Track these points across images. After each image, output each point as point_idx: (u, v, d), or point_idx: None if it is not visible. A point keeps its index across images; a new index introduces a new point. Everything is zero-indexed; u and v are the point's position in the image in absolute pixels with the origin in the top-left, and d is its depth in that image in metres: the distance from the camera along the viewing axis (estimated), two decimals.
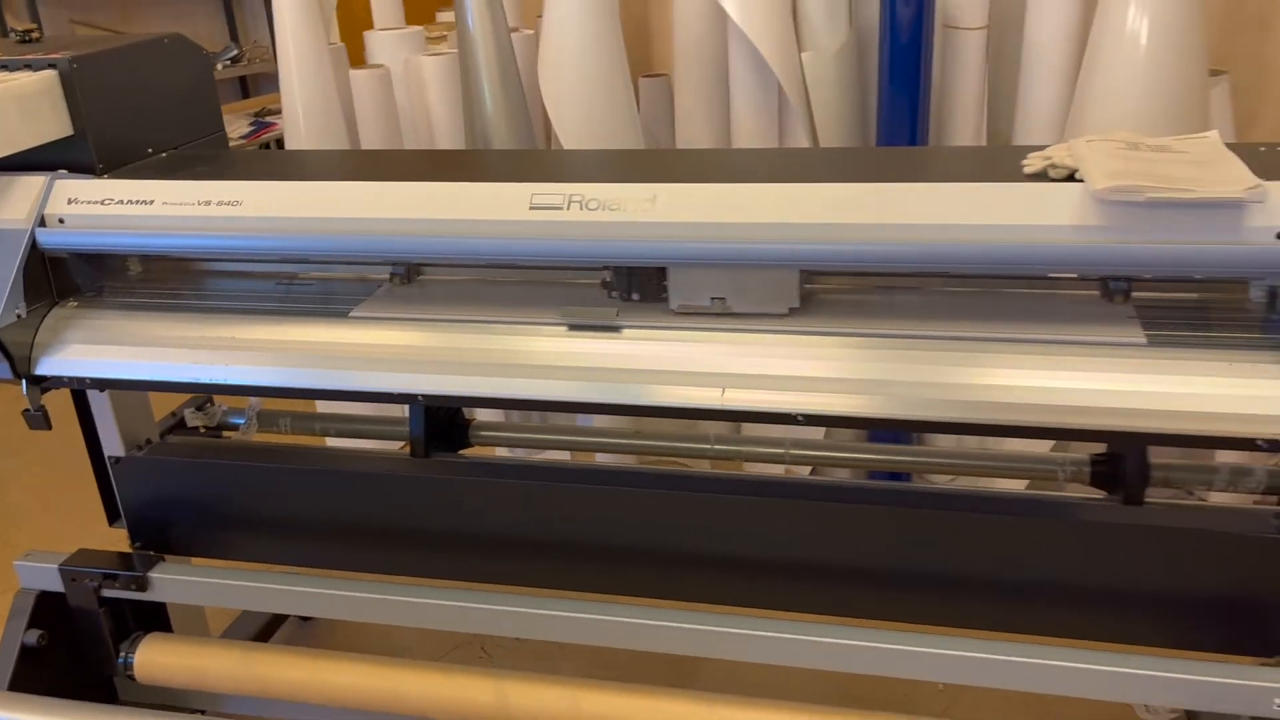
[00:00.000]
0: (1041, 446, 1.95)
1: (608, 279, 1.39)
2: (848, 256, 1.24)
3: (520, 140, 2.31)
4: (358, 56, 2.72)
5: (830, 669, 1.46)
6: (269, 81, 4.15)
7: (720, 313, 1.33)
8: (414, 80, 2.53)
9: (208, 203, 1.44)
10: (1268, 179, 1.15)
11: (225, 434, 1.91)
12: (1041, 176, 1.27)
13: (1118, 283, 1.29)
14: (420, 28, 2.69)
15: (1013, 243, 1.20)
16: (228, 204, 1.43)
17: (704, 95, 2.33)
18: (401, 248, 1.39)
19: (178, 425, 1.86)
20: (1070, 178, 1.24)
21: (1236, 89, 2.10)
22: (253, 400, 1.91)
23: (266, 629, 2.04)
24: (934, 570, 1.47)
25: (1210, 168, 1.19)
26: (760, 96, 2.17)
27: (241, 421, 1.91)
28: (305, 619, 2.15)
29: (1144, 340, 1.21)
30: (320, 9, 2.45)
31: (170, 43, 1.70)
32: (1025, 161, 1.30)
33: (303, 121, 2.47)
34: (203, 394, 1.81)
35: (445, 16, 3.03)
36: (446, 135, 2.50)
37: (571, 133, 2.18)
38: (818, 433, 2.29)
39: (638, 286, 1.37)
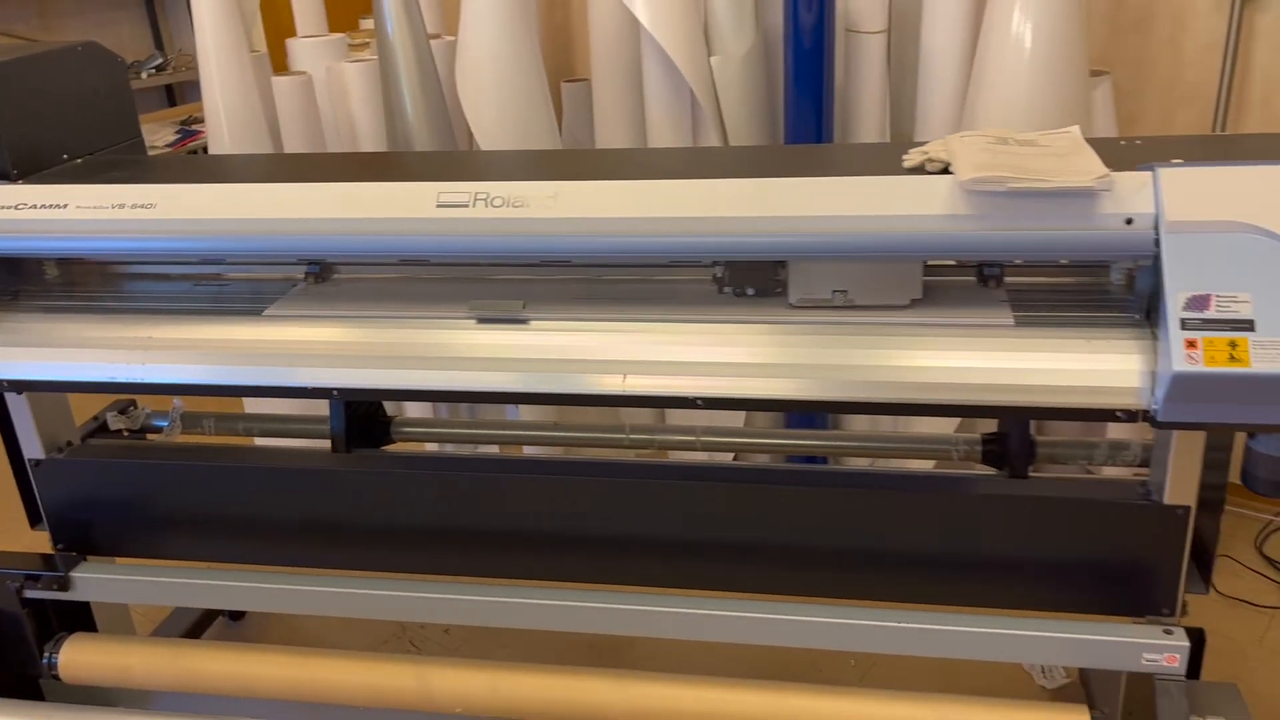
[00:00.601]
0: (945, 427, 2.04)
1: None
2: (737, 248, 1.31)
3: (441, 143, 2.36)
4: (284, 65, 2.74)
5: (748, 643, 1.54)
6: (195, 89, 4.13)
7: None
8: (336, 86, 2.56)
9: (121, 205, 1.47)
10: (1123, 170, 1.24)
11: (149, 436, 1.93)
12: (919, 170, 1.35)
13: (991, 268, 1.38)
14: (343, 35, 2.72)
15: (889, 231, 1.28)
16: (141, 206, 1.46)
17: (620, 98, 2.40)
18: (313, 246, 1.43)
19: (100, 429, 1.88)
20: (945, 171, 1.33)
21: (1119, 89, 2.22)
22: (176, 402, 1.94)
23: (194, 630, 2.06)
24: (841, 546, 1.54)
25: (1067, 159, 1.28)
26: (672, 99, 2.25)
27: (165, 424, 1.93)
28: (234, 619, 2.17)
29: (1011, 321, 1.30)
30: (240, 17, 2.48)
31: (85, 50, 1.72)
32: (905, 157, 1.38)
33: (226, 128, 2.49)
34: (124, 395, 1.83)
35: (368, 24, 3.06)
36: (369, 140, 2.53)
37: (489, 135, 2.24)
38: (736, 421, 2.38)
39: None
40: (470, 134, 2.50)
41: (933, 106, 2.13)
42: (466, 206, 1.37)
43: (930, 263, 1.39)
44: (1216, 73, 2.13)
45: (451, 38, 2.62)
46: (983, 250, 1.29)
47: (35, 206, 1.48)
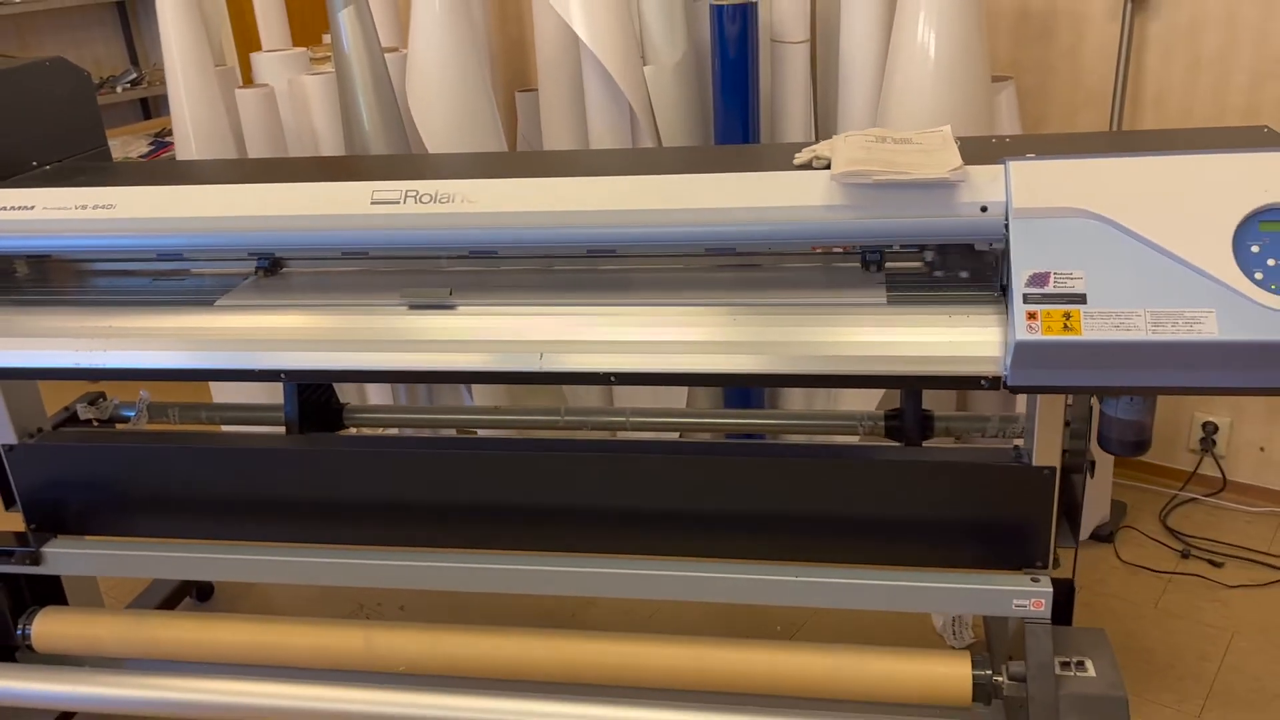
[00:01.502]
0: (867, 404, 2.18)
1: None
2: (637, 237, 1.46)
3: (396, 151, 2.50)
4: (250, 78, 2.87)
5: (677, 599, 1.67)
6: (168, 103, 4.27)
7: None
8: (298, 98, 2.70)
9: (84, 206, 1.60)
10: (983, 164, 1.39)
11: (117, 426, 2.06)
12: (807, 166, 1.50)
13: (872, 254, 1.53)
14: (305, 49, 2.86)
15: (774, 220, 1.42)
16: (102, 207, 1.60)
17: (565, 106, 2.55)
18: (260, 242, 1.57)
19: (70, 419, 2.01)
20: (828, 167, 1.48)
21: (1026, 93, 2.38)
22: (143, 393, 2.08)
23: (162, 608, 2.19)
24: (757, 513, 1.67)
25: (932, 155, 1.43)
26: (611, 106, 2.39)
27: (132, 414, 2.07)
28: (202, 599, 2.30)
29: (884, 301, 1.45)
30: (205, 32, 2.61)
31: (52, 65, 1.86)
32: (796, 155, 1.53)
33: (193, 139, 2.62)
34: (90, 382, 1.96)
35: (329, 38, 3.20)
36: (329, 148, 2.67)
37: (437, 141, 2.38)
38: (679, 401, 2.52)
39: None
40: (423, 145, 2.65)
41: (852, 110, 2.28)
42: (397, 203, 1.52)
43: (820, 249, 1.54)
44: (1112, 77, 2.29)
45: (405, 50, 2.77)
46: (855, 236, 1.44)
47: (5, 209, 1.62)
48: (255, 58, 2.83)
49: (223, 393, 2.79)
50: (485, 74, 2.42)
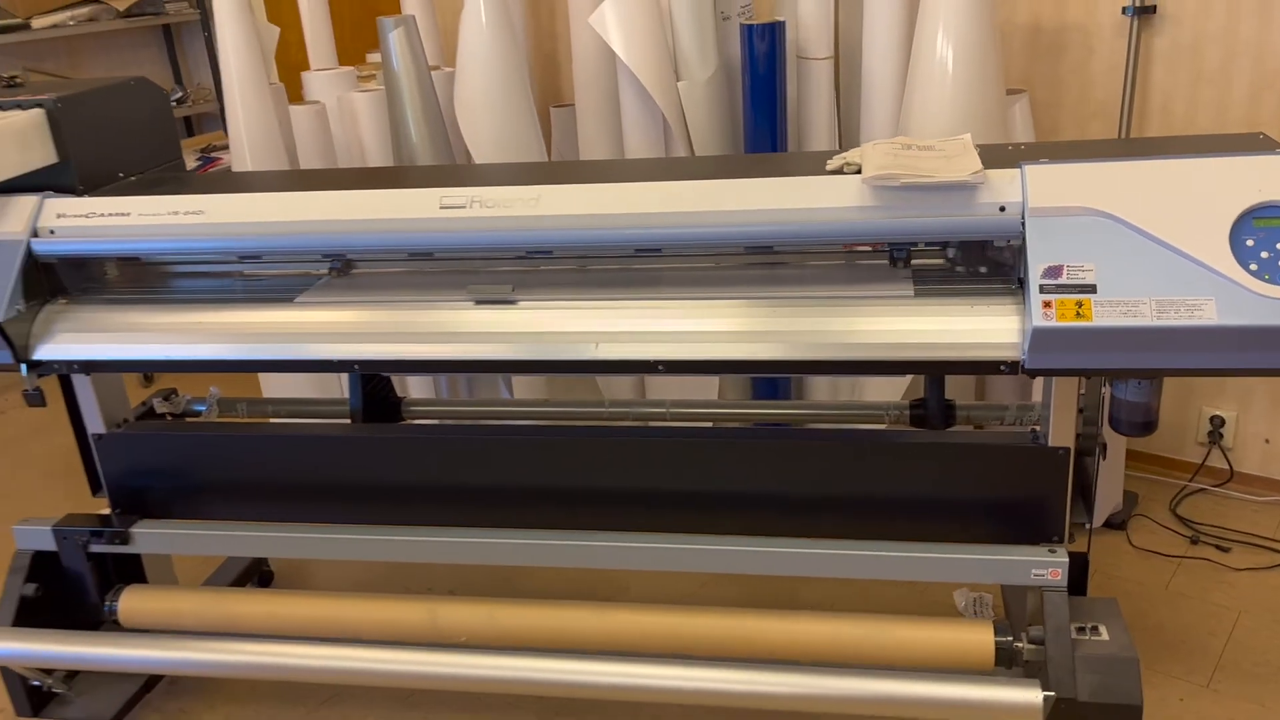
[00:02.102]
0: (892, 395, 2.31)
1: None
2: (685, 237, 1.60)
3: (441, 163, 2.65)
4: (295, 95, 3.03)
5: (715, 572, 1.80)
6: (212, 120, 4.45)
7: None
8: (347, 114, 2.86)
9: (175, 213, 1.75)
10: (1000, 168, 1.53)
11: (187, 420, 2.21)
12: (838, 172, 1.64)
13: (899, 251, 1.67)
14: (352, 68, 3.02)
15: (810, 221, 1.56)
16: (192, 213, 1.75)
17: (600, 120, 2.70)
18: (336, 244, 1.72)
19: (147, 413, 2.16)
20: (858, 173, 1.61)
21: (1039, 105, 2.52)
22: (213, 389, 2.23)
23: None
24: (794, 495, 1.80)
25: (954, 160, 1.57)
26: (646, 120, 2.54)
27: (203, 408, 2.22)
28: (264, 581, 2.44)
29: (911, 294, 1.58)
30: (261, 53, 2.77)
31: (135, 84, 2.02)
32: (828, 162, 1.67)
33: (248, 153, 2.78)
34: (174, 373, 2.10)
35: (375, 57, 3.36)
36: (376, 160, 2.82)
37: (483, 153, 2.53)
38: (709, 394, 2.65)
39: None
40: (467, 154, 2.81)
41: (874, 121, 2.42)
42: (464, 208, 1.66)
43: (848, 248, 1.68)
44: (1120, 90, 2.42)
45: (450, 69, 2.93)
46: (884, 234, 1.57)
47: (103, 215, 1.77)
48: (306, 76, 2.99)
49: (271, 389, 2.94)
50: (528, 90, 2.57)
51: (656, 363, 1.63)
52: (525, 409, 2.17)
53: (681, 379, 2.71)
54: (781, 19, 2.37)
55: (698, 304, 1.64)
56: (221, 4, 2.63)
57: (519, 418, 2.17)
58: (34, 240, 1.76)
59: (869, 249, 1.71)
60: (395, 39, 2.57)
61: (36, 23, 3.80)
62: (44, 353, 1.77)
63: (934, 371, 1.56)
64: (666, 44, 2.49)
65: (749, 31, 2.33)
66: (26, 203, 1.79)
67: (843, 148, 2.61)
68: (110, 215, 1.77)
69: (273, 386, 2.96)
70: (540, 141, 2.60)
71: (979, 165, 1.52)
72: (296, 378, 2.90)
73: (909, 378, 2.35)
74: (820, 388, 2.75)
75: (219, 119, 4.43)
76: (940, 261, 1.68)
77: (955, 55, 2.17)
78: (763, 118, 2.40)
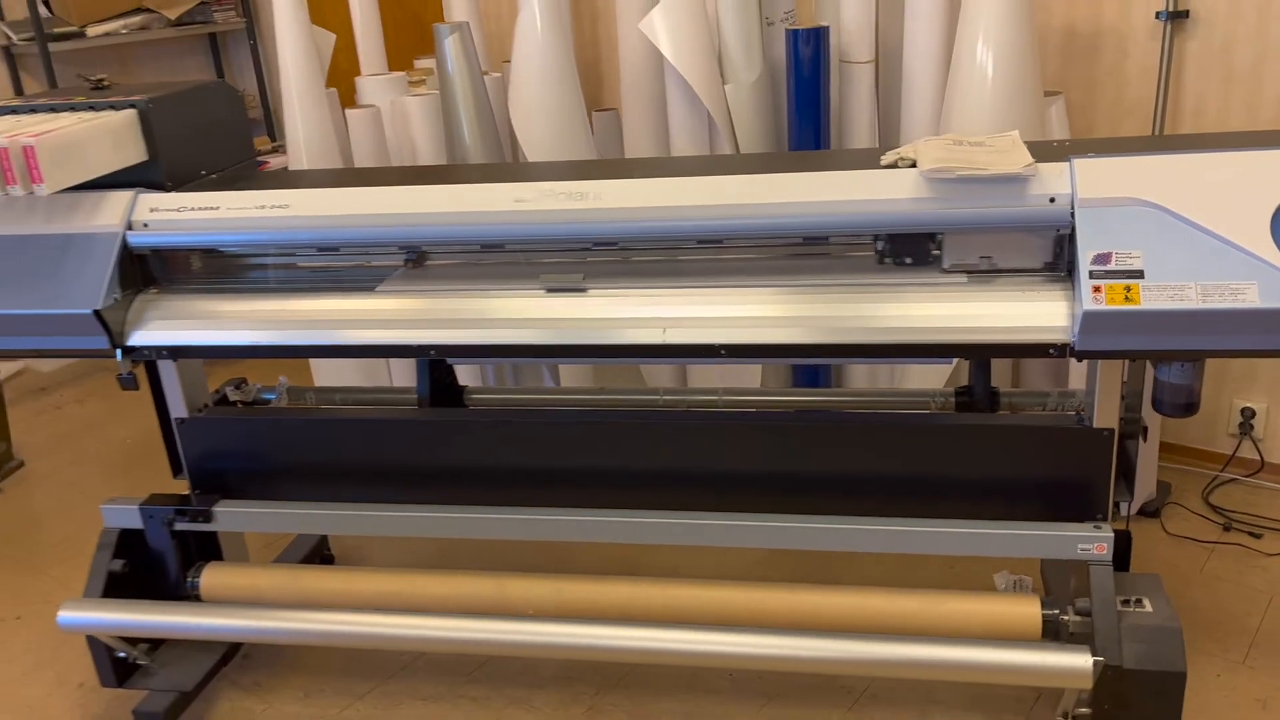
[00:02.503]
0: (935, 382, 2.40)
1: None
2: (751, 229, 1.69)
3: (492, 161, 2.75)
4: (349, 99, 3.14)
5: (779, 548, 1.88)
6: (256, 126, 4.56)
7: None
8: (399, 118, 2.96)
9: (262, 206, 1.86)
10: (1049, 161, 1.62)
11: (256, 407, 2.31)
12: (893, 167, 1.73)
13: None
14: (403, 73, 3.13)
15: (870, 211, 1.65)
16: (279, 206, 1.85)
17: (647, 122, 2.80)
18: (416, 235, 1.81)
19: (220, 401, 2.26)
20: (912, 166, 1.70)
21: (1074, 107, 2.60)
22: (282, 378, 2.33)
23: None
24: (847, 474, 1.89)
25: (1005, 155, 1.66)
26: (692, 122, 2.64)
27: (273, 397, 2.32)
28: (328, 559, 2.53)
29: (965, 280, 1.67)
30: (318, 59, 2.88)
31: (216, 86, 2.12)
32: (883, 157, 1.77)
33: (305, 155, 2.88)
34: (256, 359, 2.19)
35: (423, 63, 3.46)
36: (427, 162, 2.93)
37: (538, 155, 2.63)
38: (751, 383, 2.74)
39: None
40: (514, 156, 2.91)
41: (914, 122, 2.51)
42: (537, 201, 1.76)
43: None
44: (1153, 90, 2.51)
45: (497, 74, 3.03)
46: (938, 225, 1.66)
47: (194, 209, 1.87)
48: (360, 81, 3.10)
49: (323, 378, 3.05)
50: (579, 93, 2.67)
51: (719, 347, 1.72)
52: (583, 396, 2.26)
53: (723, 369, 2.81)
54: (825, 24, 2.46)
55: (757, 291, 1.73)
56: (281, 11, 2.74)
57: (576, 405, 2.26)
58: (129, 233, 1.87)
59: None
60: (451, 45, 2.67)
61: (91, 30, 3.93)
62: (137, 339, 1.87)
63: (988, 354, 1.64)
64: (713, 48, 2.59)
65: (794, 36, 2.43)
66: (121, 198, 1.89)
67: (883, 148, 2.71)
68: (200, 209, 1.87)
69: (324, 376, 3.06)
70: (591, 142, 2.70)
71: (1030, 159, 1.61)
72: (346, 368, 3.01)
73: (951, 366, 2.44)
74: (858, 376, 2.83)
75: (264, 124, 4.55)
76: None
77: (995, 59, 2.26)
78: (807, 119, 2.49)
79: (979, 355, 1.72)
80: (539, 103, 2.62)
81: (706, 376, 2.88)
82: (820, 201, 1.66)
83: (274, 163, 3.89)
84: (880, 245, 1.73)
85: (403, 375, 3.06)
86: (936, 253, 1.71)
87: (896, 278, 1.71)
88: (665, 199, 1.71)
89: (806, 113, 2.49)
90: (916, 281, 1.68)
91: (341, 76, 3.28)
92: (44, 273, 1.83)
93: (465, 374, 2.96)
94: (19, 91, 3.97)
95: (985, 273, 1.69)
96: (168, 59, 4.39)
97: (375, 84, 3.06)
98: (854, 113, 2.61)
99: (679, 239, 1.80)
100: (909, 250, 1.73)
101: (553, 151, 2.64)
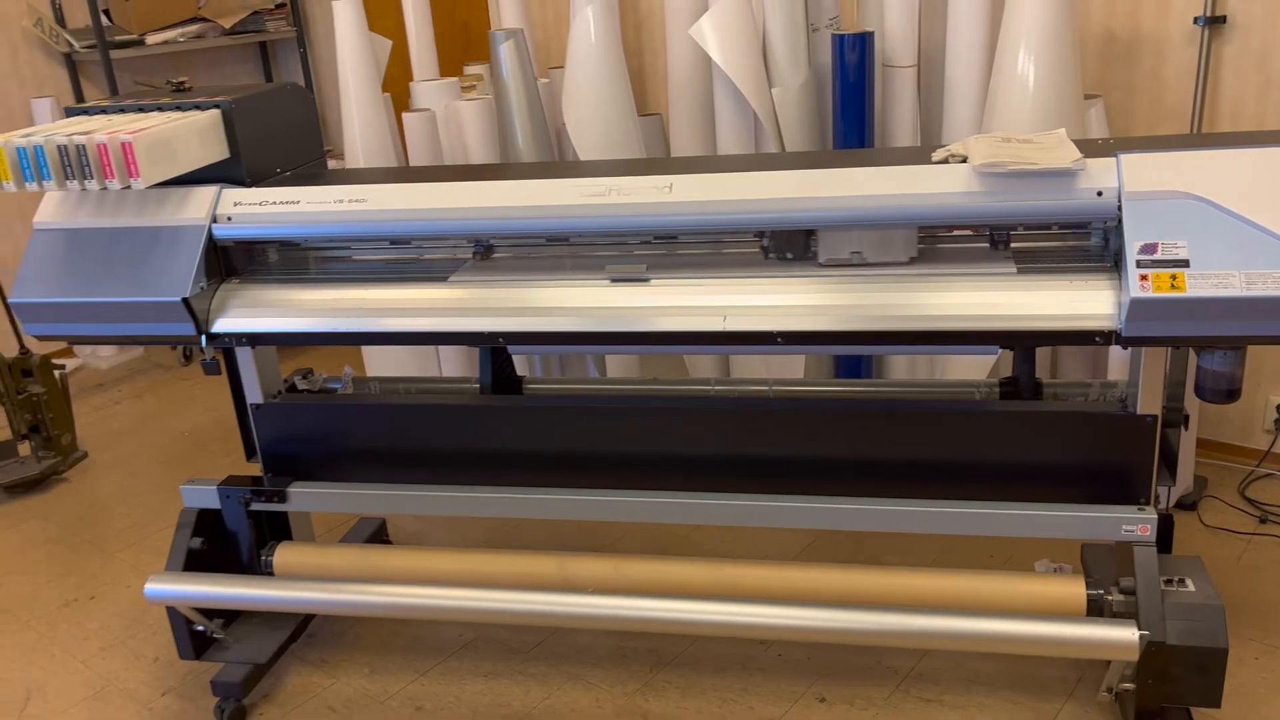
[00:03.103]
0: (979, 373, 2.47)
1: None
2: (809, 220, 1.77)
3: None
4: (402, 103, 3.26)
5: (833, 528, 1.96)
6: None
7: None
8: (453, 121, 3.07)
9: (341, 201, 1.96)
10: (1096, 157, 1.69)
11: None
12: (944, 163, 1.81)
13: (999, 234, 1.83)
14: (455, 78, 3.24)
15: (926, 205, 1.73)
16: (357, 201, 1.95)
17: (694, 126, 2.89)
18: (490, 228, 1.90)
19: (289, 390, 2.36)
20: (963, 162, 1.78)
21: (1113, 110, 2.67)
22: (347, 369, 2.42)
23: None
24: (900, 459, 1.97)
25: (1053, 151, 1.73)
26: (739, 124, 2.73)
27: (338, 386, 2.41)
28: (387, 541, 2.62)
29: (1015, 271, 1.74)
30: (375, 64, 2.99)
31: (290, 89, 2.23)
32: (934, 154, 1.84)
33: (361, 156, 2.99)
34: (343, 346, 2.29)
35: (473, 69, 3.58)
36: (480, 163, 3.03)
37: (589, 156, 2.72)
38: (797, 372, 2.81)
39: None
40: (561, 159, 3.00)
41: (955, 125, 2.59)
42: (604, 195, 1.85)
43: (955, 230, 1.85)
44: (1191, 94, 2.57)
45: (545, 80, 3.13)
46: (992, 218, 1.73)
47: (275, 203, 1.98)
48: (415, 86, 3.21)
49: (374, 369, 3.15)
50: (630, 96, 2.76)
51: (776, 334, 1.80)
52: (636, 386, 2.34)
53: (769, 362, 2.89)
54: (870, 29, 2.54)
55: (813, 281, 1.81)
56: (341, 19, 2.85)
57: (631, 394, 2.34)
58: (214, 225, 1.97)
59: (969, 233, 1.88)
60: (506, 50, 2.78)
61: (150, 39, 4.06)
62: (220, 326, 1.97)
63: (1038, 343, 1.71)
64: (760, 53, 2.68)
65: (840, 41, 2.51)
66: (206, 192, 1.99)
67: (924, 150, 2.78)
68: (282, 203, 1.97)
69: (375, 366, 3.16)
70: (641, 143, 2.79)
71: (1078, 154, 1.68)
72: (397, 359, 3.12)
73: (994, 359, 2.50)
74: (898, 368, 2.90)
75: None
76: (1038, 244, 1.84)
77: (1037, 63, 2.34)
78: (852, 122, 2.58)
79: (1029, 343, 1.79)
80: (593, 106, 2.72)
81: (751, 367, 2.96)
82: (876, 195, 1.74)
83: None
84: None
85: (451, 366, 3.16)
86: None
87: (950, 268, 1.79)
88: (726, 193, 1.80)
89: (852, 115, 2.57)
90: (967, 271, 1.76)
91: (389, 83, 3.39)
92: (135, 263, 1.94)
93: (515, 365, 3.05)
94: (79, 97, 4.11)
95: (1034, 264, 1.77)
96: (218, 66, 4.53)
97: (430, 89, 3.17)
98: (896, 116, 2.69)
99: (740, 231, 1.89)
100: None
101: (605, 153, 2.74)
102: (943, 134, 2.64)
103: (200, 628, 2.13)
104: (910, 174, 1.76)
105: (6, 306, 3.46)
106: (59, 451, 3.26)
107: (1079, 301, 1.68)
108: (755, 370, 2.95)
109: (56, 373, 3.29)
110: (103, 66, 3.92)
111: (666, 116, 3.16)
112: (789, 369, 2.85)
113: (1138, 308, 1.59)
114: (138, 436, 3.54)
